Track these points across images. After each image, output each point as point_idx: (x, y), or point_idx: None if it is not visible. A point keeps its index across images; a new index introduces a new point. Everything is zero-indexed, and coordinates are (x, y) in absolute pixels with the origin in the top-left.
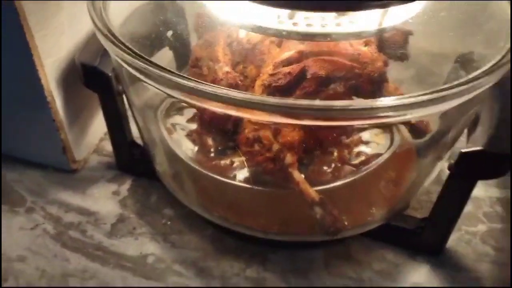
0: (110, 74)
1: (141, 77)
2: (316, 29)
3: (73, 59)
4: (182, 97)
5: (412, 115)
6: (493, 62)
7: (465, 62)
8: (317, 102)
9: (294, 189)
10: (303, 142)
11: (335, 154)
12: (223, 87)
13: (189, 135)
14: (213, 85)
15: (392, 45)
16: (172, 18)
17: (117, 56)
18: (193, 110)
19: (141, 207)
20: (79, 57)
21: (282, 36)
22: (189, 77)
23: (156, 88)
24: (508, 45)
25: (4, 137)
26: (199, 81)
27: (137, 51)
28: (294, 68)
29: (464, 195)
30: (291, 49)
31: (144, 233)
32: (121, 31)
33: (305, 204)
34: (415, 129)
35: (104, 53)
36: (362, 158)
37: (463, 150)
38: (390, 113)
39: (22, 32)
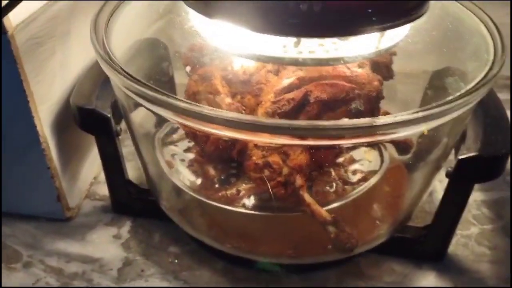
0: (108, 115)
1: (148, 104)
2: (320, 55)
3: (65, 103)
4: (191, 124)
5: (406, 133)
6: (478, 78)
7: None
8: (323, 122)
9: (304, 212)
10: (309, 164)
11: (333, 174)
12: (229, 111)
13: (191, 165)
14: (220, 110)
15: (380, 66)
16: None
17: (123, 85)
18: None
19: (146, 248)
20: (74, 100)
21: (286, 64)
22: (196, 104)
23: (164, 115)
24: (491, 59)
25: None
26: (207, 107)
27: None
28: (297, 94)
29: (463, 200)
30: (290, 77)
31: (153, 274)
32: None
33: (316, 225)
34: (400, 146)
35: (100, 94)
36: (360, 175)
37: (460, 157)
38: (393, 130)
39: (20, 80)
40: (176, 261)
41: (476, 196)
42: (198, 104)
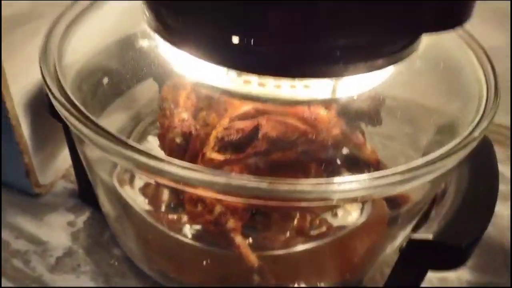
0: None
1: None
2: (269, 90)
3: (41, 88)
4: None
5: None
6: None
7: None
8: (252, 183)
9: (234, 251)
10: (250, 208)
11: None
12: (159, 157)
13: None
14: (151, 154)
15: (362, 112)
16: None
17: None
18: None
19: (92, 243)
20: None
21: (230, 96)
22: (139, 147)
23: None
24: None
25: None
26: (140, 149)
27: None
28: (247, 124)
29: (413, 283)
30: (248, 104)
31: (87, 272)
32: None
33: (245, 267)
34: (391, 200)
35: None
36: (323, 229)
37: (411, 237)
38: (335, 196)
39: None
40: (116, 263)
41: (461, 274)
42: (143, 152)
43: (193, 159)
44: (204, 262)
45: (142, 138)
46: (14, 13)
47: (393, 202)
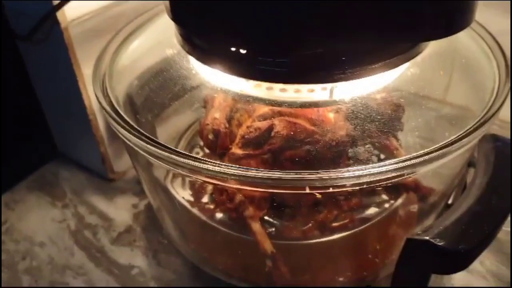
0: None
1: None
2: (290, 95)
3: None
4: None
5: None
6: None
7: None
8: (262, 173)
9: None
10: (271, 198)
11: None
12: (186, 155)
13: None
14: (178, 152)
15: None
16: None
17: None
18: None
19: (149, 223)
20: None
21: (257, 102)
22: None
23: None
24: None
25: (63, 139)
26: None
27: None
28: (264, 124)
29: (418, 285)
30: (268, 106)
31: (140, 247)
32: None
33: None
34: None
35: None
36: (345, 221)
37: (409, 237)
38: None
39: (70, 63)
40: (166, 242)
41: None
42: (184, 155)
43: (222, 154)
44: (229, 248)
45: (191, 142)
46: (91, 27)
47: (421, 194)
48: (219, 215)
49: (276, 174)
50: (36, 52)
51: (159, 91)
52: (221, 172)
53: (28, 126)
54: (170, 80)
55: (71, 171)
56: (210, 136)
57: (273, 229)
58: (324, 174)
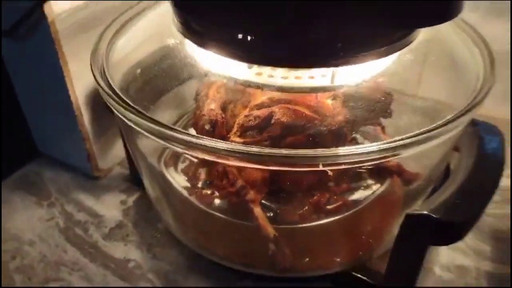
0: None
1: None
2: (290, 82)
3: None
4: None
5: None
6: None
7: None
8: (264, 150)
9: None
10: (269, 181)
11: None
12: (192, 135)
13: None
14: (183, 132)
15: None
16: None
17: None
18: None
19: (139, 219)
20: None
21: (257, 88)
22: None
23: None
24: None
25: (44, 138)
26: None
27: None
28: (263, 112)
29: (415, 259)
30: (267, 95)
31: (133, 241)
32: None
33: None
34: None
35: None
36: (339, 203)
37: (408, 212)
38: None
39: (57, 57)
40: (159, 236)
41: (480, 263)
42: (182, 132)
43: None
44: (229, 235)
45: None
46: (78, 21)
47: (406, 179)
48: (217, 201)
49: (291, 151)
50: (18, 47)
51: (156, 80)
52: (237, 151)
53: (6, 125)
54: (170, 69)
55: (54, 170)
56: (207, 127)
57: (271, 213)
58: (339, 150)
